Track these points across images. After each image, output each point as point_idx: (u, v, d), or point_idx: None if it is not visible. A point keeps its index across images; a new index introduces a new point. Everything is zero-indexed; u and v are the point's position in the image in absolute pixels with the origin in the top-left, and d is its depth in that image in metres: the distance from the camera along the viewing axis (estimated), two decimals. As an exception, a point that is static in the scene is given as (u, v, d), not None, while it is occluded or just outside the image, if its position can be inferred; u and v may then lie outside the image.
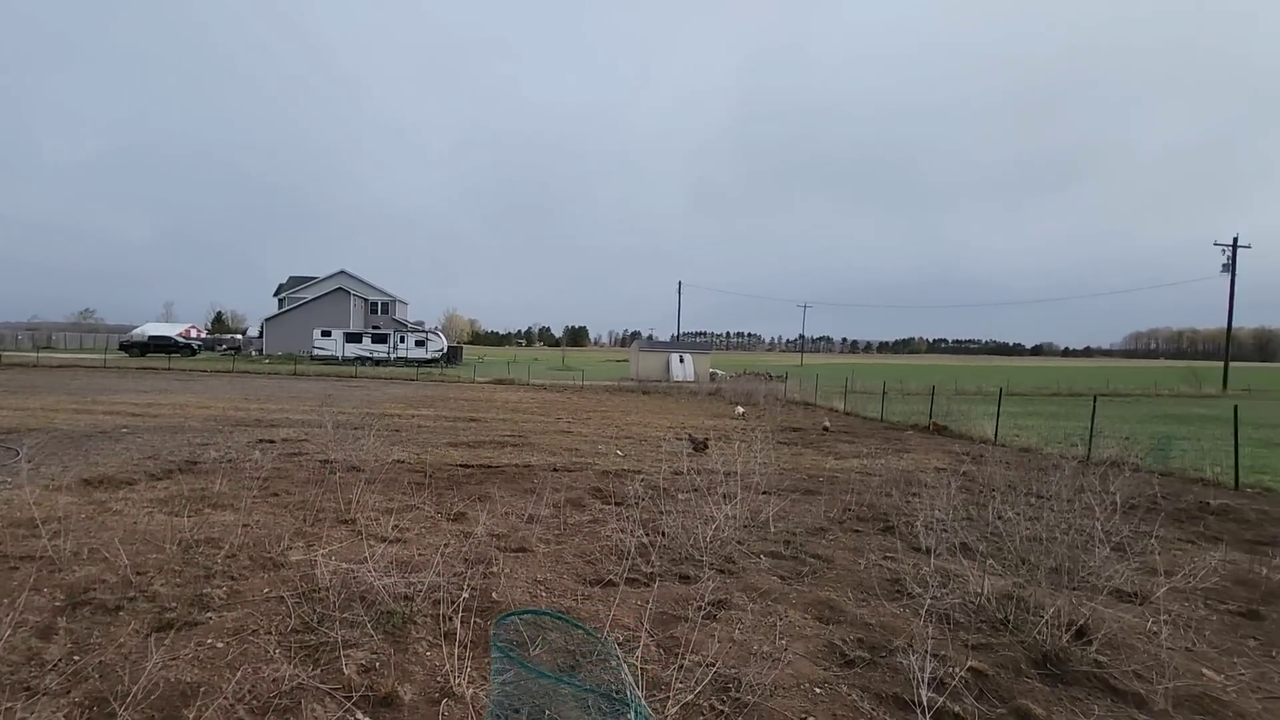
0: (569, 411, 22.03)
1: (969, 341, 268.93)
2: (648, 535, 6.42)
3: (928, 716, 2.89)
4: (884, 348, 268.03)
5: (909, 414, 21.83)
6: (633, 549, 5.85)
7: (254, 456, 10.11)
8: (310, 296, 61.68)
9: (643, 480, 9.45)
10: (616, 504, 7.94)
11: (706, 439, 13.78)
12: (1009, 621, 4.53)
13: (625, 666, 2.88)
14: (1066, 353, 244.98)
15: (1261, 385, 47.22)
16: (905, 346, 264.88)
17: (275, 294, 68.93)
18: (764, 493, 8.85)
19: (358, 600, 4.49)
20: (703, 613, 4.49)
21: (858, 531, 7.27)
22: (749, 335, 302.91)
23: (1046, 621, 4.27)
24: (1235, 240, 46.68)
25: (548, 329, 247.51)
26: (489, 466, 10.55)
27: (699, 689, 3.38)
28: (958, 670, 3.74)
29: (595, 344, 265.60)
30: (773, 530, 6.97)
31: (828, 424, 19.44)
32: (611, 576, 5.29)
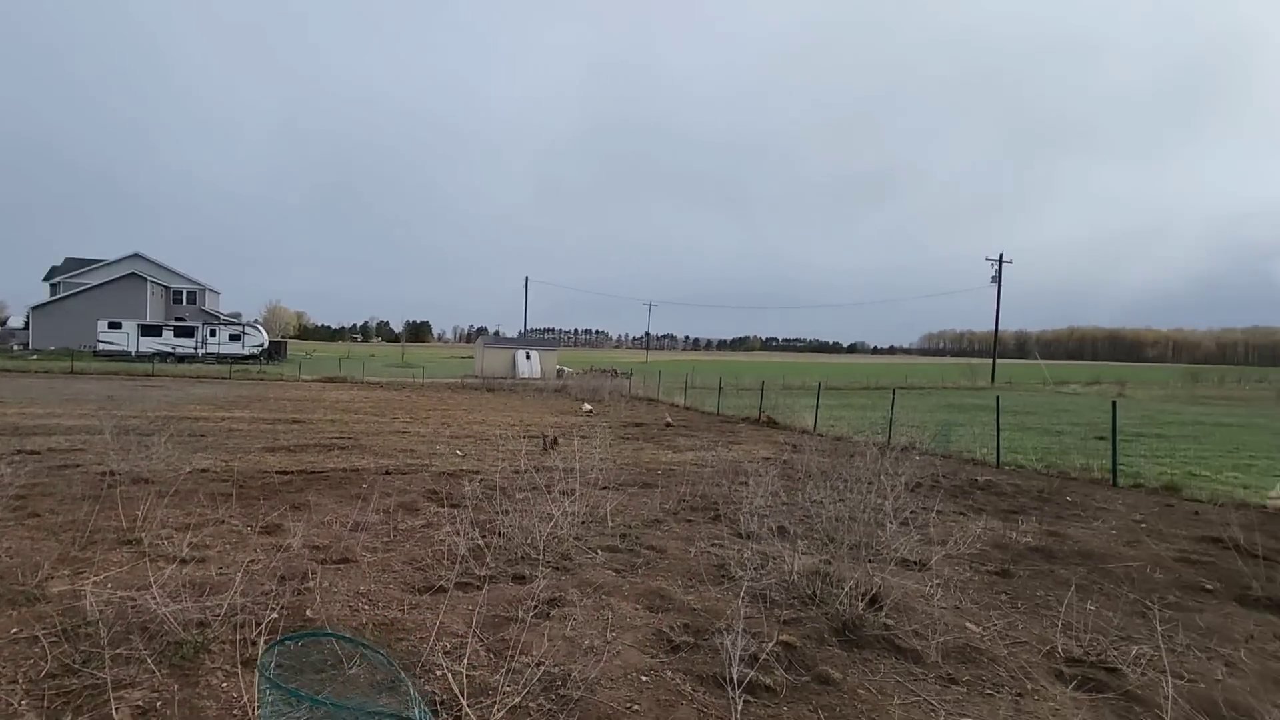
0: (406, 411, 20.93)
1: (796, 340, 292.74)
2: (483, 537, 6.26)
3: (738, 691, 3.11)
4: (723, 345, 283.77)
5: (742, 408, 23.30)
6: (466, 552, 5.69)
7: (1, 471, 8.49)
8: (95, 282, 53.06)
9: (482, 480, 9.22)
10: (452, 506, 7.67)
11: (556, 437, 13.73)
12: (816, 595, 5.00)
13: (411, 684, 2.79)
14: (875, 350, 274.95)
15: (1019, 378, 56.20)
16: (742, 344, 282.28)
17: (47, 279, 58.30)
18: (603, 488, 9.00)
19: (137, 632, 3.93)
20: (535, 612, 4.47)
21: (690, 521, 7.62)
22: (597, 332, 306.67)
23: (847, 593, 4.76)
24: (1001, 256, 55.20)
25: (386, 324, 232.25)
26: (311, 472, 9.73)
27: (526, 690, 3.36)
28: (769, 645, 4.06)
29: (439, 340, 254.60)
30: (610, 524, 7.11)
31: (669, 419, 20.19)
32: (443, 582, 5.10)
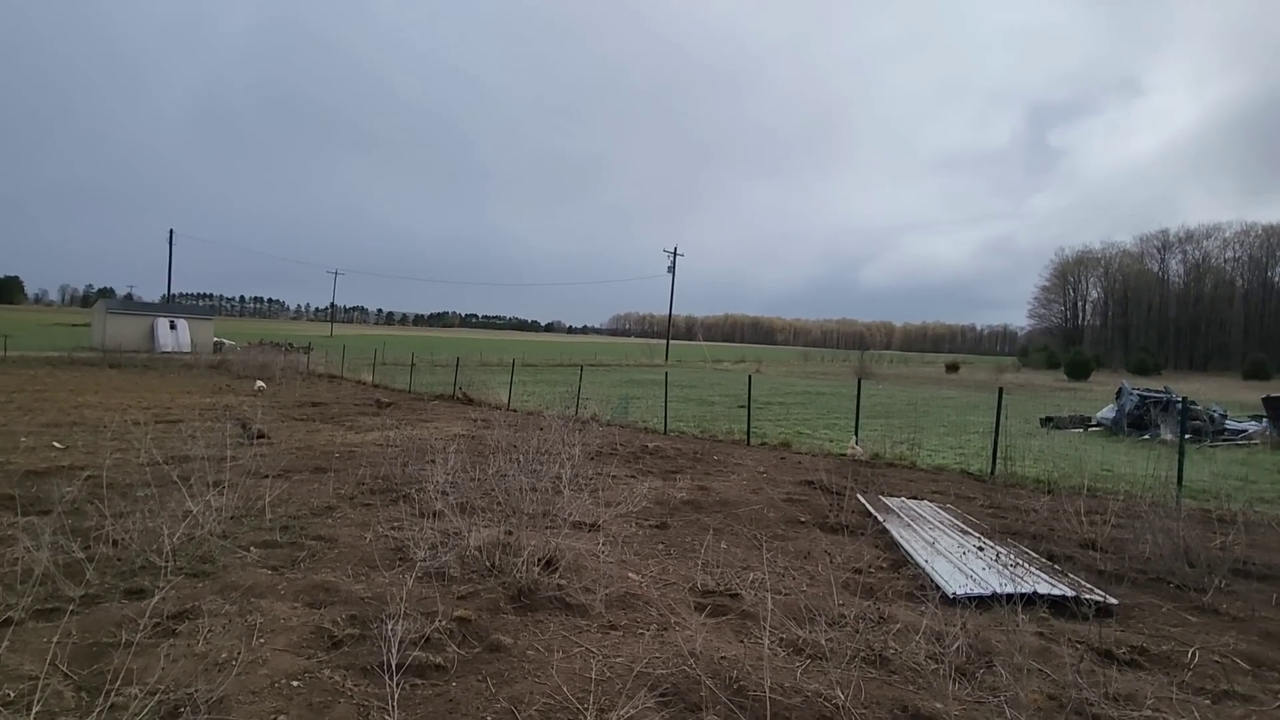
0: (-31, 393, 15.63)
1: (496, 318, 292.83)
2: (86, 548, 4.99)
3: (396, 677, 2.99)
4: (420, 320, 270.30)
5: (437, 384, 22.56)
6: (53, 569, 4.46)
7: None
8: None
9: (90, 478, 7.35)
10: (41, 513, 5.95)
11: (261, 429, 11.44)
12: (495, 566, 5.07)
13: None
14: (570, 330, 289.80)
15: (687, 357, 64.87)
16: (440, 320, 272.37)
17: None
18: (264, 476, 7.89)
19: None
20: (155, 630, 3.71)
21: (368, 505, 7.12)
22: (271, 301, 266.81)
23: (524, 560, 4.93)
24: (675, 249, 62.74)
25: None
26: None
27: (133, 726, 2.76)
28: (444, 622, 3.99)
29: (36, 301, 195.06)
30: (269, 517, 6.26)
31: (382, 399, 18.48)
32: (12, 613, 3.92)
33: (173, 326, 41.05)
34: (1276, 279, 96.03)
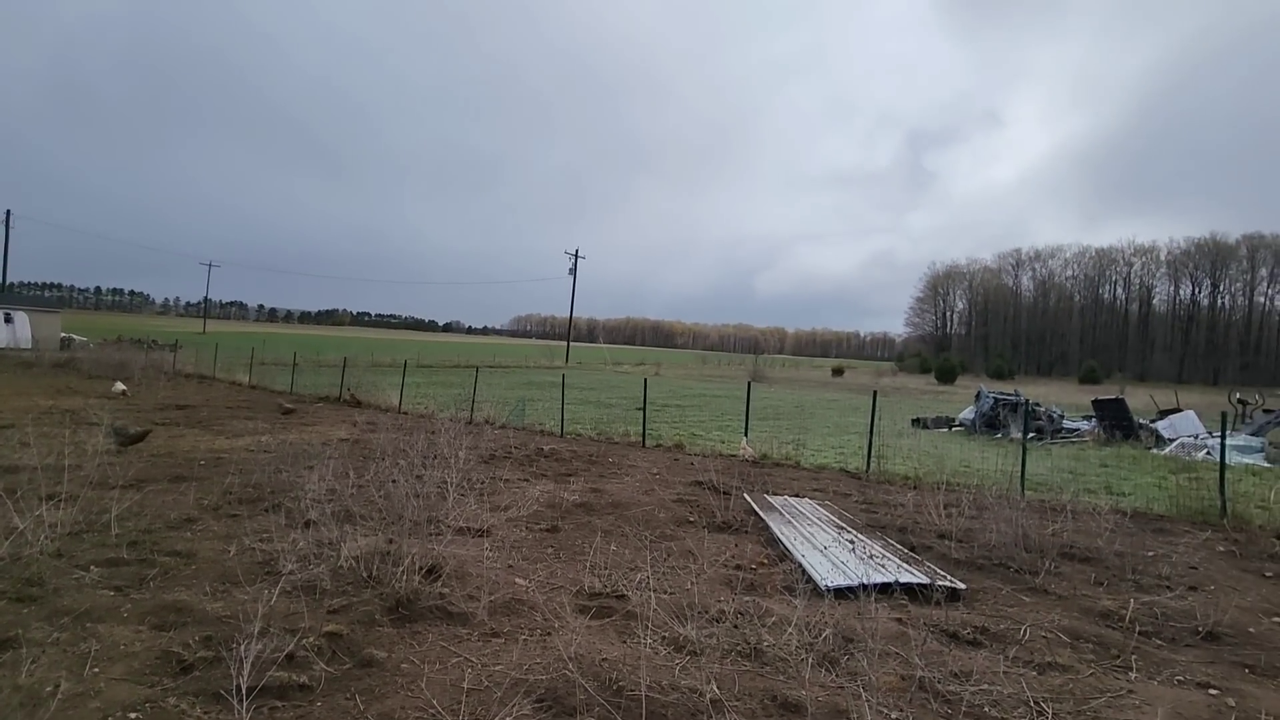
0: None
1: (391, 316, 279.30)
2: (-123, 576, 4.32)
3: (251, 701, 2.81)
4: (306, 318, 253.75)
5: (322, 386, 21.33)
6: None
7: None
8: None
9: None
10: None
11: (146, 430, 10.20)
12: (373, 576, 4.87)
13: None
14: (470, 330, 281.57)
15: (588, 359, 64.89)
16: (329, 318, 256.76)
17: None
18: (114, 487, 7.16)
19: None
20: (-38, 666, 3.27)
21: (235, 516, 6.62)
22: (133, 294, 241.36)
23: (404, 569, 4.76)
24: (577, 251, 62.72)
25: None
26: None
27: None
28: (311, 638, 3.79)
29: None
30: (116, 532, 5.69)
31: (287, 405, 16.92)
32: None
33: (8, 319, 36.41)
34: (1105, 295, 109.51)
